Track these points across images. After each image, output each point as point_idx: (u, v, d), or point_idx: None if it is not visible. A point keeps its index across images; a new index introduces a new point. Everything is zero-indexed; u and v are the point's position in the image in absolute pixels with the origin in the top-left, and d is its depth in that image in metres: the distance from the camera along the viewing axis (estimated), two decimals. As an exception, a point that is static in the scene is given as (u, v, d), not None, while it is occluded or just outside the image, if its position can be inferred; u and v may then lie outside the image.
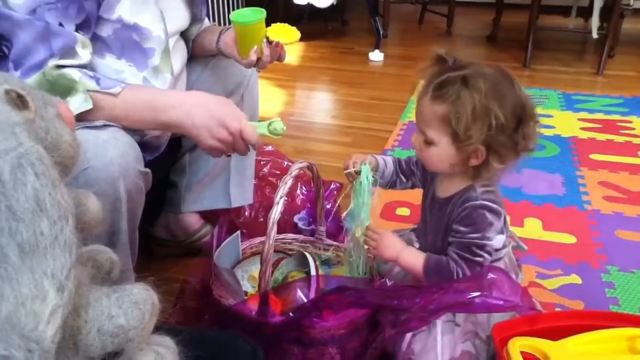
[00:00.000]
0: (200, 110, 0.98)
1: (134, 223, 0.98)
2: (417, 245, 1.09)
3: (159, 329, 0.53)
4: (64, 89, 0.89)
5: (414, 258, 0.99)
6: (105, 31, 0.99)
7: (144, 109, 0.96)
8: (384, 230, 1.05)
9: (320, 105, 2.70)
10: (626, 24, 3.19)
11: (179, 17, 1.17)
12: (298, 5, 3.40)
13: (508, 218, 1.04)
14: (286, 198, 0.94)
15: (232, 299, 0.99)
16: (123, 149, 0.90)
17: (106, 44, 1.00)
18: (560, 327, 0.92)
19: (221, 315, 0.99)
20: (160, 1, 1.06)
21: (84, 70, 0.93)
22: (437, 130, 0.92)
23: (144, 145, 1.06)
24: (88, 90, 0.91)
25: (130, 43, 1.01)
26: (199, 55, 1.28)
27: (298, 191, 1.52)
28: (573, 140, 2.07)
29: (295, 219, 1.42)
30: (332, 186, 1.62)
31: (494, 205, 0.94)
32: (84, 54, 0.94)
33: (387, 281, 1.04)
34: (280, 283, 1.14)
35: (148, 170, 0.97)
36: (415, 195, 1.67)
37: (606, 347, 0.88)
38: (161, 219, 1.41)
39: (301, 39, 1.22)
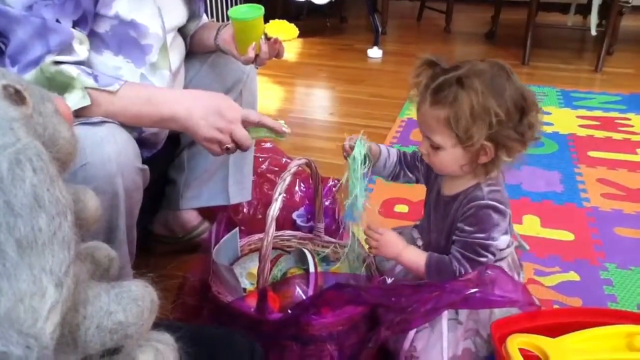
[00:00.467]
0: (199, 104, 0.98)
1: (132, 220, 0.98)
2: (419, 242, 1.09)
3: (157, 325, 0.53)
4: (62, 86, 0.89)
5: (416, 257, 0.99)
6: (103, 27, 0.99)
7: (142, 104, 0.96)
8: (384, 228, 1.04)
9: (318, 102, 2.69)
10: (625, 21, 3.19)
11: (177, 13, 1.16)
12: (296, 2, 3.39)
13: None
14: (285, 195, 0.94)
15: (230, 295, 0.99)
16: (121, 145, 0.90)
17: (104, 41, 1.00)
18: (559, 324, 0.92)
19: (220, 312, 0.99)
20: None
21: (82, 67, 0.92)
22: (442, 134, 0.91)
23: (142, 142, 1.06)
24: (86, 88, 0.90)
25: (127, 39, 1.01)
26: (197, 51, 1.28)
27: (296, 188, 1.51)
28: (571, 138, 2.08)
29: (294, 215, 1.42)
30: (330, 183, 1.62)
31: (500, 206, 0.94)
32: (81, 50, 0.93)
33: (387, 279, 1.04)
34: (279, 279, 1.14)
35: (146, 167, 0.97)
36: (414, 192, 1.68)
37: (604, 344, 0.88)
38: (159, 215, 1.40)
39: (299, 36, 1.22)
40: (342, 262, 1.20)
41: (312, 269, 1.10)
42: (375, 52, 3.17)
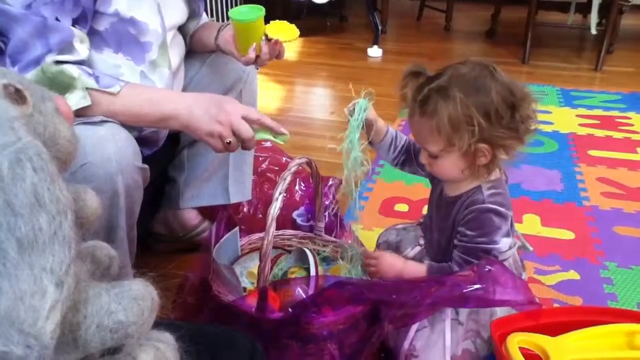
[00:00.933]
0: (199, 101, 0.99)
1: (132, 219, 0.98)
2: (422, 241, 1.09)
3: (158, 324, 0.53)
4: (63, 86, 0.88)
5: (417, 271, 1.00)
6: (102, 25, 0.98)
7: (143, 104, 0.96)
8: (379, 252, 1.07)
9: (318, 101, 2.69)
10: (625, 20, 3.19)
11: (177, 12, 1.16)
12: (296, 1, 3.39)
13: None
14: (285, 194, 0.94)
15: (231, 295, 0.99)
16: (121, 144, 0.89)
17: (103, 38, 1.00)
18: (559, 323, 0.92)
19: (220, 311, 0.99)
20: None
21: (83, 67, 0.92)
22: (435, 143, 0.92)
23: (142, 141, 1.06)
24: (87, 88, 0.90)
25: (127, 37, 1.01)
26: (197, 51, 1.28)
27: (297, 187, 1.51)
28: (571, 137, 2.08)
29: (294, 215, 1.42)
30: (330, 182, 1.62)
31: (501, 209, 0.93)
32: (82, 49, 0.93)
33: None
34: (280, 278, 1.14)
35: (146, 166, 0.97)
36: (414, 192, 1.68)
37: (605, 342, 0.88)
38: (160, 214, 1.40)
39: (300, 35, 1.22)
40: (342, 262, 1.20)
41: (313, 268, 1.10)
42: (375, 51, 3.17)
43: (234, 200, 1.35)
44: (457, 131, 0.88)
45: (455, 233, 0.97)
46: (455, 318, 0.95)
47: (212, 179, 1.34)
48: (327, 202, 1.39)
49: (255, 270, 1.02)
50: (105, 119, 0.92)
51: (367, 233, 1.45)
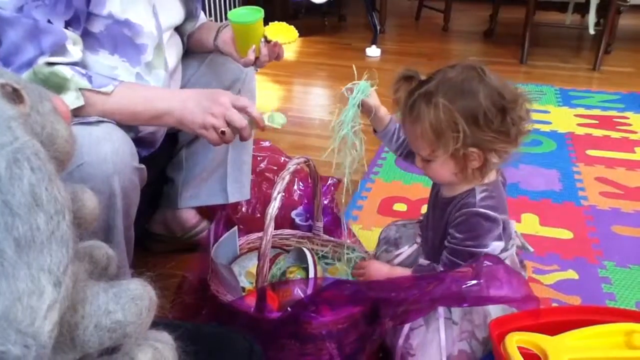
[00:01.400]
0: (191, 96, 0.99)
1: (130, 219, 0.97)
2: (419, 239, 1.09)
3: (156, 324, 0.53)
4: (56, 87, 0.88)
5: (401, 274, 1.01)
6: (97, 27, 0.98)
7: (137, 103, 0.96)
8: (367, 261, 1.09)
9: (317, 100, 2.69)
10: (623, 20, 3.20)
11: (173, 12, 1.16)
12: (295, 1, 3.39)
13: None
14: (283, 194, 0.94)
15: (229, 294, 0.99)
16: (117, 145, 0.89)
17: (98, 40, 0.99)
18: (557, 322, 0.92)
19: (219, 310, 0.99)
20: None
21: (76, 67, 0.92)
22: (423, 148, 0.93)
23: (140, 141, 1.06)
24: (80, 89, 0.90)
25: (122, 39, 1.01)
26: (195, 51, 1.28)
27: (295, 187, 1.51)
28: (570, 136, 2.08)
29: (293, 214, 1.41)
30: (329, 182, 1.62)
31: (492, 213, 0.93)
32: (75, 51, 0.93)
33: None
34: (279, 278, 1.14)
35: (143, 166, 0.97)
36: (413, 191, 1.68)
37: (603, 342, 0.88)
38: (158, 214, 1.40)
39: (298, 35, 1.22)
40: (341, 262, 1.20)
41: (311, 268, 1.10)
42: (373, 51, 3.17)
43: (232, 199, 1.35)
44: (440, 137, 0.89)
45: (447, 234, 0.97)
46: (448, 317, 0.96)
47: (210, 178, 1.34)
48: (325, 202, 1.39)
49: (254, 270, 1.02)
50: (101, 119, 0.92)
51: (365, 232, 1.45)
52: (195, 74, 1.28)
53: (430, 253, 1.04)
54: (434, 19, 3.82)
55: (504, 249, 0.98)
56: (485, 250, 0.93)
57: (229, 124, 0.98)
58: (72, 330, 0.46)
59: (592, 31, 2.89)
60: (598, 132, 2.12)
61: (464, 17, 3.97)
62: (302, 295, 0.99)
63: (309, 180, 1.23)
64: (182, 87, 1.25)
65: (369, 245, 1.27)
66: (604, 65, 2.88)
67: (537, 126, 2.15)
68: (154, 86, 1.06)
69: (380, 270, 1.04)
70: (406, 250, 1.08)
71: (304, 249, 1.15)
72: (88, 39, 0.98)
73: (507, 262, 1.01)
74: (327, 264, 1.23)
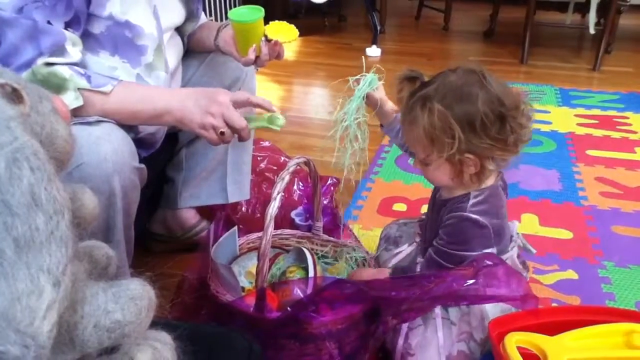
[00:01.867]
0: (190, 95, 0.99)
1: (130, 219, 0.97)
2: (418, 239, 1.09)
3: (155, 324, 0.53)
4: (55, 87, 0.88)
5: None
6: (98, 28, 0.98)
7: (136, 102, 0.96)
8: (356, 270, 1.11)
9: (317, 100, 2.69)
10: (623, 20, 3.19)
11: (174, 13, 1.16)
12: (295, 1, 3.39)
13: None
14: (283, 194, 0.94)
15: (229, 294, 0.99)
16: (117, 145, 0.89)
17: (99, 41, 0.99)
18: (557, 322, 0.92)
19: (218, 310, 0.99)
20: None
21: (75, 67, 0.92)
22: (421, 151, 0.93)
23: (139, 142, 1.06)
24: (79, 89, 0.90)
25: (123, 40, 1.01)
26: (196, 51, 1.28)
27: (295, 187, 1.51)
28: (570, 136, 2.08)
29: (292, 214, 1.41)
30: (329, 182, 1.62)
31: (481, 219, 0.92)
32: (74, 52, 0.93)
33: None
34: (279, 278, 1.14)
35: (143, 166, 0.97)
36: (413, 191, 1.68)
37: (603, 342, 0.88)
38: (158, 214, 1.40)
39: (298, 35, 1.22)
40: (341, 262, 1.20)
41: (311, 268, 1.10)
42: (374, 51, 3.17)
43: (232, 199, 1.35)
44: (434, 143, 0.89)
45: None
46: (446, 317, 0.95)
47: (210, 178, 1.34)
48: (325, 202, 1.39)
49: (254, 270, 1.02)
50: (100, 119, 0.92)
51: (365, 232, 1.45)
52: (196, 73, 1.28)
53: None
54: (434, 19, 3.82)
55: (501, 252, 0.98)
56: (470, 254, 0.93)
57: (228, 124, 0.98)
58: (72, 330, 0.46)
59: (592, 31, 2.89)
60: (598, 132, 2.11)
61: (464, 17, 3.97)
62: (302, 295, 0.99)
63: (309, 180, 1.23)
64: (183, 86, 1.25)
65: (368, 244, 1.27)
66: (604, 65, 2.88)
67: (537, 126, 2.14)
68: (153, 85, 1.06)
69: (364, 277, 1.05)
70: (406, 249, 1.09)
71: (304, 249, 1.15)
72: (88, 40, 0.98)
73: (508, 262, 1.01)
74: (326, 263, 1.23)
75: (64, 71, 0.90)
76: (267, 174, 1.55)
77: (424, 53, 3.21)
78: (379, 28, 3.31)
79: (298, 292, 1.01)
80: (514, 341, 0.85)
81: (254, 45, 1.16)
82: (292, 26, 1.22)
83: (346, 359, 0.94)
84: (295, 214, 1.41)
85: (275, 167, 1.57)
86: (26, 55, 0.87)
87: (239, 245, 1.22)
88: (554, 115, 2.27)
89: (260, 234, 1.20)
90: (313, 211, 1.23)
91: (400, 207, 1.62)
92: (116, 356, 0.49)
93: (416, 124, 0.90)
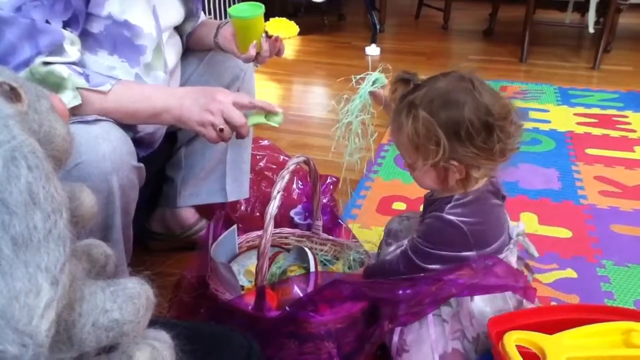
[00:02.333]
0: (189, 94, 0.99)
1: (128, 218, 0.97)
2: (415, 235, 1.09)
3: (154, 323, 0.53)
4: (53, 86, 0.88)
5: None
6: (97, 27, 0.98)
7: (134, 101, 0.96)
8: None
9: (316, 99, 2.69)
10: (622, 19, 3.19)
11: (173, 13, 1.16)
12: (294, 0, 3.38)
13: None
14: (283, 192, 0.94)
15: (228, 293, 0.99)
16: (116, 143, 0.89)
17: (98, 41, 0.99)
18: (556, 321, 0.92)
19: (217, 309, 0.99)
20: None
21: (73, 66, 0.92)
22: (409, 156, 0.93)
23: (138, 142, 1.06)
24: (77, 88, 0.90)
25: (122, 39, 1.01)
26: (195, 49, 1.28)
27: (294, 185, 1.51)
28: (569, 135, 2.08)
29: (292, 213, 1.41)
30: (328, 180, 1.62)
31: (455, 221, 0.91)
32: (73, 51, 0.93)
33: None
34: (279, 277, 1.14)
35: (141, 165, 0.97)
36: (412, 190, 1.68)
37: (601, 340, 0.88)
38: (157, 213, 1.40)
39: (298, 33, 1.22)
40: (340, 262, 1.20)
41: (312, 267, 1.10)
42: (373, 50, 3.17)
43: (231, 198, 1.35)
44: (418, 149, 0.89)
45: None
46: (438, 314, 0.95)
47: (209, 177, 1.34)
48: (324, 201, 1.39)
49: (253, 269, 1.02)
50: (99, 117, 0.91)
51: (364, 231, 1.44)
52: (195, 72, 1.28)
53: None
54: (434, 18, 3.82)
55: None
56: (445, 254, 0.93)
57: (227, 121, 0.98)
58: (70, 328, 0.46)
59: (591, 30, 2.89)
60: (597, 131, 2.11)
61: (464, 15, 3.97)
62: (301, 294, 0.99)
63: (308, 179, 1.23)
64: (182, 85, 1.25)
65: (367, 243, 1.26)
66: (603, 64, 2.88)
67: (536, 125, 2.15)
68: (151, 84, 1.06)
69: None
70: (405, 244, 1.08)
71: (306, 249, 1.15)
72: (87, 39, 0.98)
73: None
74: (325, 262, 1.23)
75: (62, 70, 0.89)
76: (266, 172, 1.55)
77: (423, 52, 3.21)
78: (378, 27, 3.31)
79: (297, 291, 1.01)
80: (513, 340, 0.85)
81: (255, 42, 1.16)
82: (292, 22, 1.22)
83: (345, 358, 0.94)
84: (295, 213, 1.41)
85: (274, 166, 1.57)
86: (24, 54, 0.87)
87: (238, 244, 1.22)
88: (553, 114, 2.27)
89: (259, 232, 1.21)
90: (312, 210, 1.23)
91: (399, 205, 1.62)
92: (114, 355, 0.49)
93: (401, 131, 0.90)
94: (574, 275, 1.32)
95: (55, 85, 0.88)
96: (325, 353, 0.94)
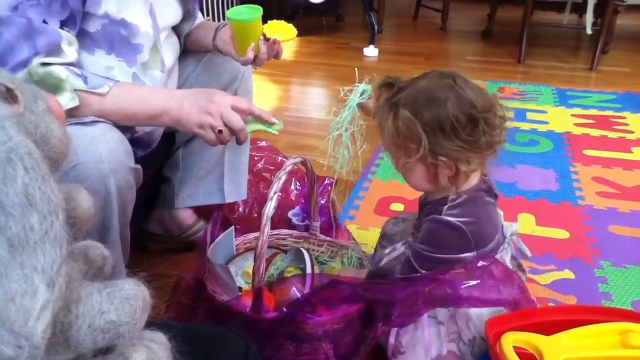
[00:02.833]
0: (188, 96, 0.99)
1: (125, 219, 0.97)
2: (410, 238, 1.09)
3: (151, 324, 0.53)
4: (51, 88, 0.88)
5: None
6: (94, 27, 0.98)
7: (133, 102, 0.96)
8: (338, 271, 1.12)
9: (314, 100, 2.69)
10: (620, 20, 3.20)
11: (170, 12, 1.16)
12: (293, 1, 3.39)
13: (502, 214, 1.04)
14: (280, 194, 0.94)
15: (226, 294, 0.99)
16: (113, 145, 0.89)
17: (95, 40, 0.99)
18: (553, 321, 0.92)
19: (215, 311, 0.98)
20: None
21: (71, 68, 0.92)
22: (392, 154, 0.94)
23: (136, 142, 1.06)
24: (75, 90, 0.90)
25: (119, 38, 1.01)
26: (193, 50, 1.28)
27: (292, 187, 1.51)
28: (567, 136, 2.08)
29: (289, 214, 1.41)
30: (326, 182, 1.62)
31: (456, 222, 0.92)
32: (70, 51, 0.93)
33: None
34: (276, 278, 1.14)
35: (139, 166, 0.97)
36: (410, 191, 1.66)
37: (599, 341, 0.88)
38: (155, 214, 1.40)
39: (296, 35, 1.23)
40: (337, 262, 1.20)
41: (309, 268, 1.09)
42: (371, 51, 3.17)
43: (229, 199, 1.35)
44: (399, 147, 0.90)
45: None
46: (433, 316, 0.95)
47: (207, 178, 1.34)
48: (322, 202, 1.39)
49: (250, 270, 1.01)
50: (96, 119, 0.91)
51: (362, 232, 1.45)
52: (193, 73, 1.28)
53: None
54: (432, 19, 3.82)
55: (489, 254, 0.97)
56: (445, 257, 0.93)
57: (226, 124, 0.98)
58: (66, 330, 0.46)
59: (589, 31, 2.90)
60: (595, 132, 2.12)
61: (462, 16, 3.98)
62: (299, 295, 0.99)
63: (306, 180, 1.23)
64: (179, 87, 1.25)
65: (364, 245, 1.26)
66: (601, 65, 2.89)
67: (534, 126, 2.15)
68: (150, 86, 1.06)
69: (348, 272, 1.07)
70: (399, 248, 1.08)
71: (303, 250, 1.15)
72: (84, 38, 0.97)
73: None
74: (323, 263, 1.23)
75: (60, 72, 0.89)
76: (264, 174, 1.55)
77: (421, 53, 3.21)
78: (376, 28, 3.31)
79: (295, 292, 1.01)
80: (510, 341, 0.85)
81: (253, 44, 1.16)
82: (290, 25, 1.22)
83: (341, 359, 0.94)
84: (292, 214, 1.41)
85: (272, 167, 1.57)
86: (22, 55, 0.87)
87: (236, 246, 1.22)
88: (551, 115, 2.28)
89: (257, 234, 1.20)
90: (310, 211, 1.23)
91: (397, 206, 1.62)
92: (111, 356, 0.49)
93: (383, 129, 0.91)
94: (572, 276, 1.32)
95: (53, 86, 0.88)
96: (323, 354, 0.94)
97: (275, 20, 1.22)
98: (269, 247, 1.20)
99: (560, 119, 2.23)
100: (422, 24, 3.90)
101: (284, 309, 0.92)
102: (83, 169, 0.85)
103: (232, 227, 1.20)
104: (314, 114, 2.42)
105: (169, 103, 0.97)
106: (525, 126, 2.13)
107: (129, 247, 1.03)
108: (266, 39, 1.18)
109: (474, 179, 0.95)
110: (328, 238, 1.25)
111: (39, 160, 0.44)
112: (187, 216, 1.39)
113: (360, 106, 1.04)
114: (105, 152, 0.87)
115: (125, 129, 0.97)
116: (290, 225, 1.37)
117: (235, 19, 1.14)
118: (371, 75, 1.04)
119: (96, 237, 0.87)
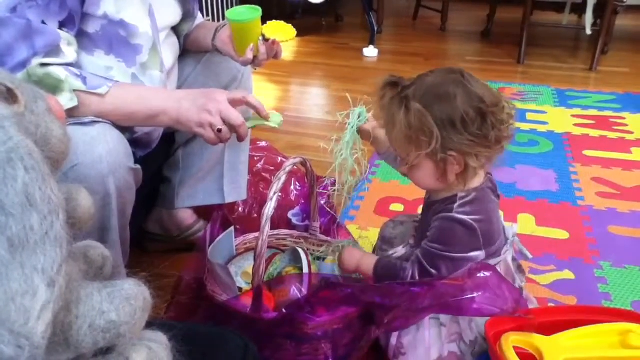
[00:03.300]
0: (186, 95, 0.99)
1: (125, 220, 0.97)
2: (412, 240, 1.09)
3: (151, 324, 0.53)
4: (50, 88, 0.88)
5: (369, 263, 1.02)
6: (93, 27, 0.98)
7: (132, 103, 0.96)
8: (346, 247, 1.10)
9: (314, 100, 2.69)
10: (619, 21, 3.20)
11: (170, 13, 1.16)
12: (292, 1, 3.39)
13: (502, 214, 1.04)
14: (280, 194, 0.94)
15: (225, 294, 0.99)
16: (112, 145, 0.89)
17: (94, 41, 0.99)
18: (553, 322, 0.92)
19: (215, 311, 0.98)
20: None
21: (70, 68, 0.92)
22: (403, 150, 0.93)
23: (136, 142, 1.06)
24: (74, 90, 0.90)
25: (118, 39, 1.01)
26: (192, 50, 1.28)
27: (292, 187, 1.51)
28: (566, 137, 2.08)
29: (289, 214, 1.41)
30: (326, 182, 1.62)
31: (467, 220, 0.92)
32: (69, 52, 0.93)
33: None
34: (274, 279, 1.14)
35: (138, 166, 0.97)
36: (410, 191, 1.68)
37: (599, 341, 0.88)
38: (154, 214, 1.40)
39: (295, 35, 1.23)
40: (330, 257, 1.20)
41: (305, 268, 1.09)
42: (371, 51, 3.17)
43: (229, 199, 1.35)
44: (411, 142, 0.89)
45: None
46: (435, 317, 0.95)
47: (207, 178, 1.34)
48: (322, 202, 1.39)
49: (250, 270, 1.01)
50: (96, 119, 0.91)
51: (362, 233, 1.44)
52: (192, 73, 1.28)
53: None
54: (432, 19, 3.82)
55: (493, 256, 0.97)
56: (453, 256, 0.92)
57: (225, 122, 0.98)
58: (66, 330, 0.46)
59: (589, 31, 2.90)
60: (595, 133, 2.12)
61: (462, 17, 3.98)
62: (299, 296, 0.99)
63: (306, 181, 1.23)
64: (179, 87, 1.25)
65: (366, 245, 1.26)
66: (600, 65, 2.89)
67: (534, 126, 2.15)
68: (149, 87, 1.06)
69: (352, 256, 1.04)
70: (399, 251, 1.08)
71: (299, 249, 1.15)
72: (83, 39, 0.97)
73: (501, 266, 1.00)
74: (322, 259, 1.23)
75: (60, 72, 0.89)
76: (264, 174, 1.55)
77: (421, 53, 3.21)
78: (376, 28, 3.31)
79: (295, 293, 1.01)
80: (510, 341, 0.85)
81: (252, 45, 1.16)
82: (290, 25, 1.22)
83: (341, 359, 0.94)
84: (292, 214, 1.41)
85: (272, 168, 1.56)
86: (21, 55, 0.87)
87: (236, 246, 1.22)
88: (550, 115, 2.28)
89: (256, 234, 1.21)
90: (310, 211, 1.23)
91: (397, 207, 1.62)
92: (111, 356, 0.49)
93: (394, 123, 0.90)
94: (572, 276, 1.32)
95: (53, 87, 0.88)
96: (322, 354, 0.94)
97: (274, 21, 1.22)
98: (268, 247, 1.20)
99: (560, 120, 2.24)
100: (422, 24, 3.90)
101: (284, 310, 0.92)
102: (82, 169, 0.85)
103: (232, 227, 1.20)
104: (313, 114, 2.42)
105: (168, 103, 0.97)
106: (525, 126, 2.13)
107: (128, 247, 1.03)
108: (265, 40, 1.18)
109: (480, 177, 0.95)
110: (328, 238, 1.25)
111: (40, 160, 0.44)
112: (186, 216, 1.39)
113: (359, 130, 1.04)
114: (104, 152, 0.87)
115: (124, 129, 0.97)
116: (290, 226, 1.37)
117: (235, 19, 1.14)
118: (364, 97, 1.04)
119: (96, 237, 0.87)
